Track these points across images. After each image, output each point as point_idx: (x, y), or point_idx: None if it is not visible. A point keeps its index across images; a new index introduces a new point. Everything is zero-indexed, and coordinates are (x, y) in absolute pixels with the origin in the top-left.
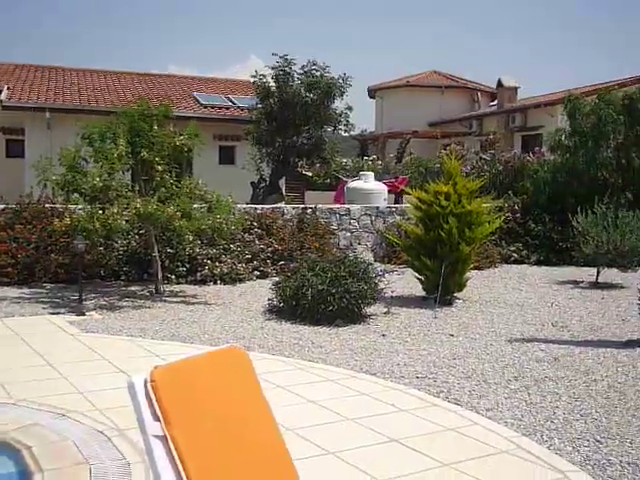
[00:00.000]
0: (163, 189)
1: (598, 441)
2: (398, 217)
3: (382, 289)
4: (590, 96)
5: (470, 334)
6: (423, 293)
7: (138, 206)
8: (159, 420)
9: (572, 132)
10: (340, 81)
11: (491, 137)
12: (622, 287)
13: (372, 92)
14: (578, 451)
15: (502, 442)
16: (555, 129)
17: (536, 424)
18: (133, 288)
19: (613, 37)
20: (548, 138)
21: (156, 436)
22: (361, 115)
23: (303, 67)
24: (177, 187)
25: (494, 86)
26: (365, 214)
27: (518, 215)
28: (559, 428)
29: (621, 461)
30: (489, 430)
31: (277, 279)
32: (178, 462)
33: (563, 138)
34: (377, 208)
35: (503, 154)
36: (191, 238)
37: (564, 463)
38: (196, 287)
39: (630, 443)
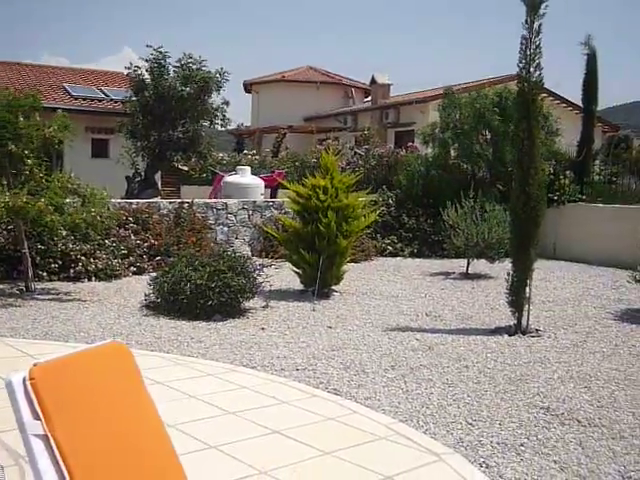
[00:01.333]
0: (33, 183)
1: (470, 424)
2: (275, 211)
3: (261, 283)
4: (462, 94)
5: (348, 325)
6: (301, 286)
7: (7, 200)
8: (39, 419)
9: (446, 126)
10: (217, 75)
11: (365, 132)
12: (490, 277)
13: (248, 87)
14: (452, 434)
15: (380, 429)
16: (430, 123)
17: (412, 410)
18: (1, 286)
19: (481, 37)
20: (422, 132)
21: (37, 435)
22: (237, 109)
23: (179, 60)
24: (48, 181)
25: (368, 83)
26: (242, 208)
27: (392, 209)
28: (434, 413)
29: (491, 442)
30: (368, 418)
31: (154, 274)
32: (60, 461)
33: (437, 131)
34: (254, 202)
35: (377, 149)
36: (64, 233)
37: (439, 446)
38: (70, 284)
39: (499, 425)
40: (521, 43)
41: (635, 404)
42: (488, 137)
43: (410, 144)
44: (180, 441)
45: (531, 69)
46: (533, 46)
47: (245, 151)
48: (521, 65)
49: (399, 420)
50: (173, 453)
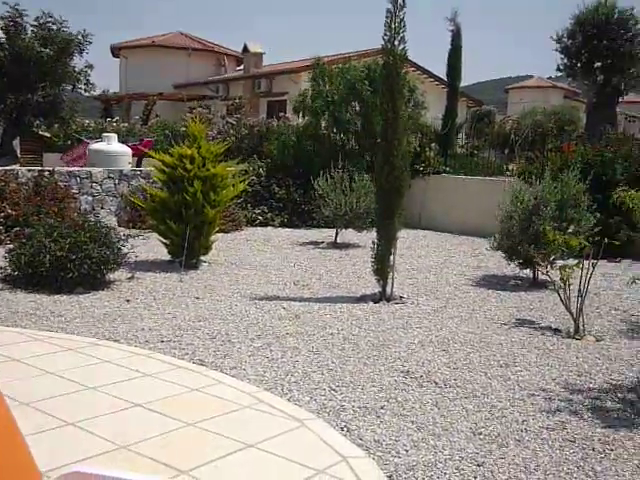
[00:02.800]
0: None
1: (333, 389)
2: (143, 180)
3: (126, 254)
4: (333, 65)
5: (216, 296)
6: (169, 257)
7: None
8: None
9: (317, 96)
10: (79, 37)
11: (237, 101)
12: (359, 246)
13: (116, 51)
14: (315, 400)
15: (245, 398)
16: (301, 92)
17: (277, 378)
18: None
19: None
20: (294, 100)
21: None
22: (104, 74)
23: (37, 19)
24: None
25: (240, 51)
26: (108, 177)
27: (263, 179)
28: (298, 380)
29: (353, 406)
30: (233, 387)
31: (11, 246)
32: None
33: (308, 101)
34: (121, 171)
35: (249, 119)
36: None
37: (302, 412)
38: None
39: (361, 389)
40: (386, 16)
41: (488, 365)
42: (358, 108)
43: (282, 114)
44: (36, 419)
45: (395, 42)
46: (397, 20)
47: (115, 118)
48: (386, 38)
49: (264, 388)
50: (16, 433)
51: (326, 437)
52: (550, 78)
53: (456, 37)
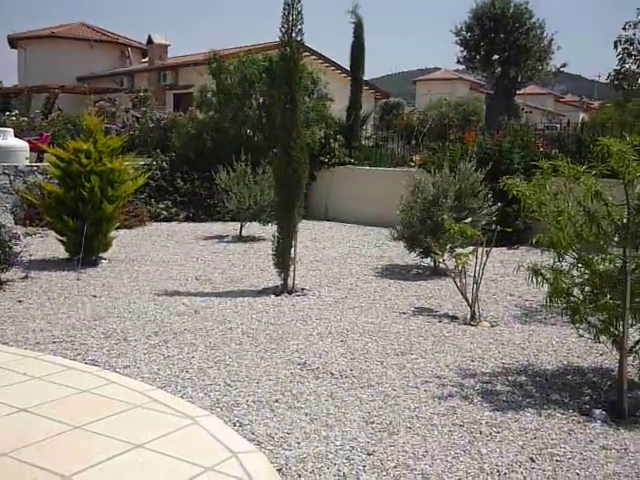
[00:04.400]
0: None
1: (228, 385)
2: (40, 176)
3: (19, 253)
4: (236, 58)
5: (114, 294)
6: (67, 255)
7: None
8: None
9: (218, 90)
10: None
11: (142, 94)
12: (263, 239)
13: (13, 42)
14: (209, 396)
15: (137, 397)
16: (200, 86)
17: (172, 376)
18: None
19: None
20: (195, 96)
21: None
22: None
23: None
24: None
25: (145, 43)
26: (3, 173)
27: (167, 172)
28: (193, 377)
29: (247, 400)
30: (125, 387)
31: None
32: None
33: (209, 95)
34: (16, 167)
35: (155, 112)
36: None
37: (194, 409)
38: None
39: (257, 383)
40: (284, 8)
41: (384, 354)
42: (261, 101)
43: (191, 108)
44: None
45: (293, 34)
46: (295, 12)
47: (14, 112)
48: (283, 30)
49: (157, 386)
50: None
51: (217, 433)
52: (457, 70)
53: (358, 29)
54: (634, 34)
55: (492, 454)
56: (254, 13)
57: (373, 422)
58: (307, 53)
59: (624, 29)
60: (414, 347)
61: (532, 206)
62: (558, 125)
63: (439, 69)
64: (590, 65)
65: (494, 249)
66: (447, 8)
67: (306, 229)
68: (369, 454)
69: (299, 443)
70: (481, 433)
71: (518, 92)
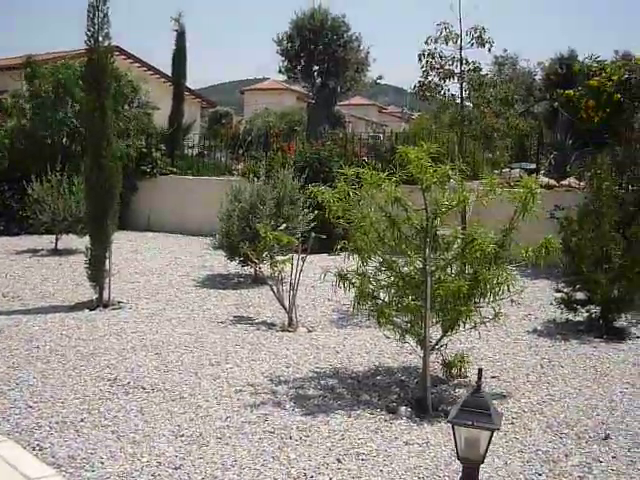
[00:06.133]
0: None
1: (30, 407)
2: None
3: None
4: (47, 64)
5: None
6: None
7: None
8: None
9: (31, 95)
10: None
11: None
12: (81, 252)
13: None
14: (8, 421)
15: None
16: (12, 92)
17: None
18: None
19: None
20: (5, 102)
21: None
22: None
23: None
24: None
25: None
26: None
27: None
28: None
29: (50, 422)
30: None
31: None
32: None
33: (21, 102)
34: None
35: None
36: None
37: None
38: None
39: (62, 403)
40: (88, 11)
41: (199, 365)
42: (77, 108)
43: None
44: None
45: (100, 38)
46: (101, 14)
47: None
48: (89, 34)
49: None
50: None
51: (13, 459)
52: (285, 81)
53: (180, 37)
54: (435, 48)
55: (301, 458)
56: (72, 16)
57: (183, 435)
58: (129, 60)
59: (426, 43)
60: (230, 356)
61: (337, 212)
62: (382, 135)
63: (268, 79)
64: (410, 78)
65: (317, 255)
66: (272, 17)
67: (128, 240)
68: (176, 468)
69: (103, 463)
70: (291, 438)
71: (343, 103)
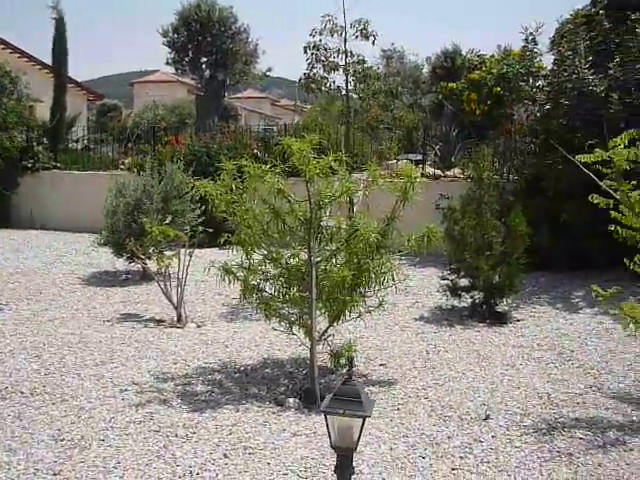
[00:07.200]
0: None
1: None
2: None
3: None
4: None
5: None
6: None
7: None
8: None
9: None
10: None
11: None
12: None
13: None
14: None
15: None
16: None
17: None
18: None
19: None
20: None
21: None
22: None
23: None
24: None
25: None
26: None
27: None
28: None
29: None
30: None
31: None
32: None
33: None
34: None
35: None
36: None
37: None
38: None
39: None
40: None
41: (83, 365)
42: None
43: None
44: None
45: None
46: None
47: None
48: None
49: None
50: None
51: None
52: (175, 73)
53: (60, 23)
54: (320, 40)
55: (187, 455)
56: None
57: (63, 439)
58: (9, 50)
59: (311, 35)
60: (115, 355)
61: (221, 206)
62: (274, 127)
63: (157, 71)
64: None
65: (207, 250)
66: (157, 8)
67: (10, 239)
68: (55, 474)
69: None
70: (177, 436)
71: (236, 95)
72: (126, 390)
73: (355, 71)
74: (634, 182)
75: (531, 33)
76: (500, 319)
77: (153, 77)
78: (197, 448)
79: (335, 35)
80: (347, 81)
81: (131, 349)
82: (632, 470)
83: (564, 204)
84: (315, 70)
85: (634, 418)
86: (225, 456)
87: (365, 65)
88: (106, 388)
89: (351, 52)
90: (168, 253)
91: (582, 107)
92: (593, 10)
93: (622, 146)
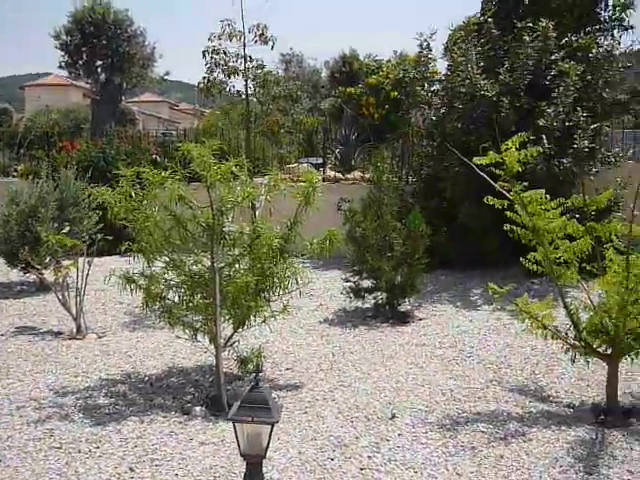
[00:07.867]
0: None
1: None
2: None
3: None
4: None
5: None
6: None
7: None
8: None
9: None
10: None
11: None
12: None
13: None
14: None
15: None
16: None
17: None
18: None
19: None
20: None
21: None
22: None
23: None
24: None
25: None
26: None
27: None
28: None
29: None
30: None
31: None
32: None
33: None
34: None
35: None
36: None
37: None
38: None
39: None
40: None
41: None
42: None
43: None
44: None
45: None
46: None
47: None
48: None
49: None
50: None
51: None
52: (68, 76)
53: None
54: (220, 45)
55: (90, 472)
56: None
57: None
58: None
59: (210, 40)
60: (11, 371)
61: (120, 213)
62: (174, 132)
63: (51, 74)
64: (200, 74)
65: (107, 258)
66: (50, 8)
67: None
68: None
69: None
70: (80, 452)
71: (133, 99)
72: (24, 407)
73: (255, 76)
74: (525, 183)
75: (425, 39)
76: (403, 319)
77: (46, 80)
78: (101, 463)
79: (234, 40)
80: (247, 86)
81: (28, 363)
82: (532, 460)
83: (461, 205)
84: (215, 74)
85: (532, 410)
86: (131, 469)
87: (264, 70)
88: (2, 406)
89: (250, 57)
90: (66, 262)
91: (475, 111)
92: (482, 18)
93: (513, 148)
